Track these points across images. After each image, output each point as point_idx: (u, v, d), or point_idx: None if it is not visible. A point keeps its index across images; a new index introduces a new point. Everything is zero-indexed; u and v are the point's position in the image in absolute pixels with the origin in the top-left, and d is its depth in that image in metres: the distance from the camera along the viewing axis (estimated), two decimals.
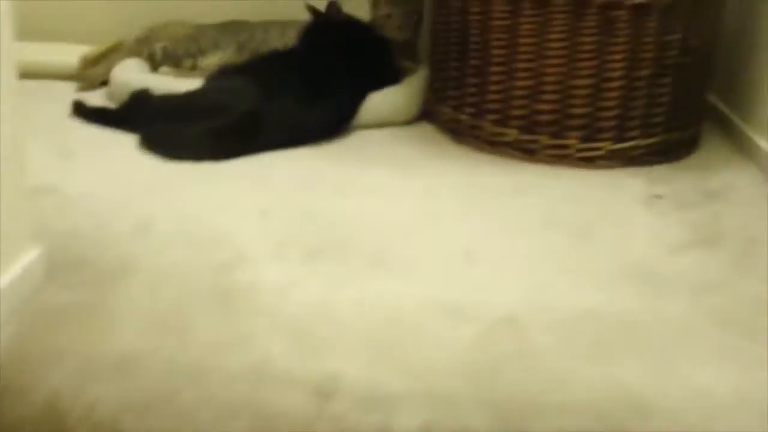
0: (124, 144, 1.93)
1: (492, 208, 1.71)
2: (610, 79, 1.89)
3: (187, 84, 2.12)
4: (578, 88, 1.90)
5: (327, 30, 2.22)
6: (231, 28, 2.36)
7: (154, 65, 2.30)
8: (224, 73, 2.07)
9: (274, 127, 1.91)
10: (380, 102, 2.12)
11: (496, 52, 1.94)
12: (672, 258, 1.54)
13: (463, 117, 2.04)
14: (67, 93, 2.24)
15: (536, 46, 1.89)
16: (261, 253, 1.49)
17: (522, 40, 1.90)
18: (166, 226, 1.55)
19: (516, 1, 1.87)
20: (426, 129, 2.15)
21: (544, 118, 1.93)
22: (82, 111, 2.08)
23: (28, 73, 2.07)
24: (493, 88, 1.97)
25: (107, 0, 2.53)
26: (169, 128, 1.90)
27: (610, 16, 1.84)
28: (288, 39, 2.32)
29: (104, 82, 2.27)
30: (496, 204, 1.72)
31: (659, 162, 1.97)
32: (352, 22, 2.25)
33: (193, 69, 2.30)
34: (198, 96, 1.97)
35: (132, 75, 2.17)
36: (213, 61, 2.30)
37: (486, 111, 1.99)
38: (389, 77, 2.21)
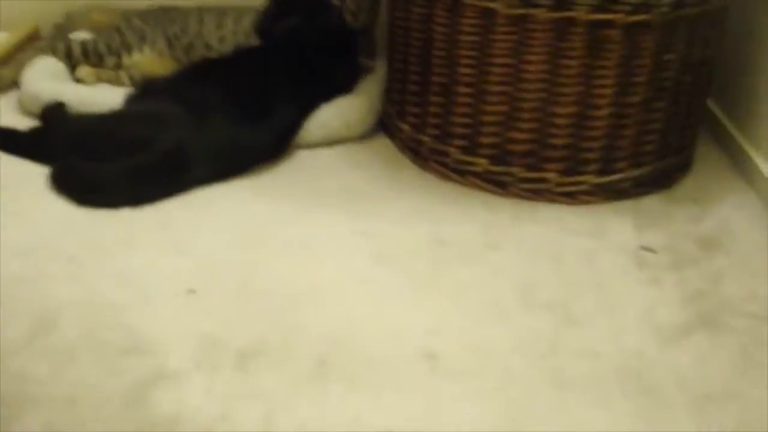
0: (30, 179, 1.64)
1: (459, 276, 1.46)
2: (597, 107, 1.63)
3: (108, 95, 1.83)
4: (560, 117, 1.64)
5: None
6: (161, 17, 2.05)
7: (72, 63, 1.99)
8: (147, 91, 1.77)
9: (203, 160, 1.64)
10: (331, 116, 1.84)
11: (464, 71, 1.66)
12: (668, 352, 1.32)
13: (425, 139, 1.77)
14: None
15: (512, 67, 1.62)
16: (186, 358, 1.24)
17: (495, 60, 1.62)
18: (70, 324, 1.29)
19: (489, 15, 1.59)
20: (382, 147, 1.88)
21: (519, 147, 1.68)
22: None
23: None
24: (460, 110, 1.70)
25: None
26: (83, 164, 1.62)
27: (599, 36, 1.57)
28: (226, 31, 2.02)
29: (16, 83, 1.97)
30: (464, 271, 1.48)
31: (648, 192, 1.74)
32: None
33: (117, 68, 1.99)
34: (117, 124, 1.68)
35: (44, 84, 1.86)
36: (139, 59, 1.99)
37: (451, 135, 1.73)
38: (344, 80, 1.93)
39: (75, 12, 2.16)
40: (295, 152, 1.81)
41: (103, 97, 1.82)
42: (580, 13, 1.53)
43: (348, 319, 1.35)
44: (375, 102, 1.91)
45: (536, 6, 1.55)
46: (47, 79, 1.89)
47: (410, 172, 1.79)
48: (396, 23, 1.79)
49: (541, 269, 1.50)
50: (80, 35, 2.10)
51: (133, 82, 1.99)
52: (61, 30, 2.13)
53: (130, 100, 1.76)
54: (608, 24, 1.55)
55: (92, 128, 1.68)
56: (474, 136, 1.70)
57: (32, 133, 1.74)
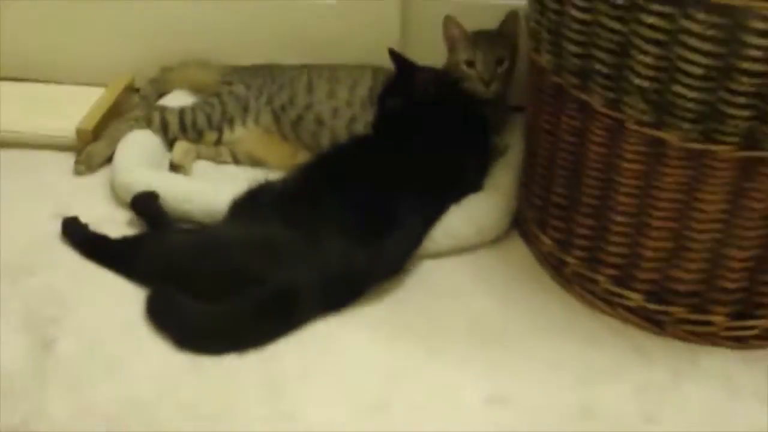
0: (125, 300, 1.47)
1: None
2: None
3: (207, 192, 1.63)
4: (736, 260, 1.38)
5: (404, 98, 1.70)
6: (265, 82, 1.83)
7: (169, 138, 1.80)
8: (256, 201, 1.55)
9: (316, 295, 1.43)
10: (461, 223, 1.61)
11: (622, 199, 1.41)
12: None
13: (570, 260, 1.53)
14: (62, 176, 1.78)
15: (682, 203, 1.36)
16: None
17: (662, 194, 1.37)
18: None
19: (659, 145, 1.32)
20: (518, 255, 1.64)
21: (683, 287, 1.43)
22: (72, 234, 1.61)
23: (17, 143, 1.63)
24: (614, 239, 1.45)
25: (119, 36, 1.99)
26: (182, 301, 1.43)
27: None
28: (339, 102, 1.78)
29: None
30: None
31: None
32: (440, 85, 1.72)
33: (218, 143, 1.79)
34: (221, 250, 1.47)
35: (138, 176, 1.67)
36: (242, 135, 1.78)
37: (602, 263, 1.49)
38: (476, 173, 1.69)
39: (171, 67, 1.95)
40: (418, 262, 1.60)
41: (201, 194, 1.62)
42: None
43: None
44: (510, 201, 1.67)
45: (719, 143, 1.28)
46: (141, 167, 1.69)
47: (551, 294, 1.56)
48: (540, 124, 1.54)
49: None
50: (177, 96, 1.90)
51: (235, 159, 1.79)
52: (156, 86, 1.94)
53: (236, 211, 1.54)
54: None
55: (191, 249, 1.49)
56: (629, 268, 1.46)
57: (123, 243, 1.56)
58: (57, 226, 1.62)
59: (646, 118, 1.30)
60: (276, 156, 1.77)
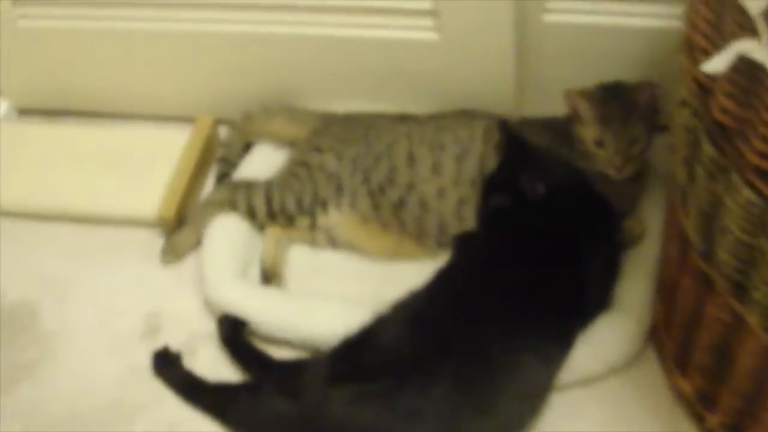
0: None
1: None
2: None
3: (307, 319, 1.48)
4: None
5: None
6: (359, 151, 1.59)
7: (257, 223, 1.62)
8: (371, 342, 1.36)
9: None
10: (585, 357, 1.41)
11: None
12: None
13: (710, 418, 1.34)
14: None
15: None
16: None
17: None
18: None
19: None
20: (653, 391, 1.43)
21: None
22: (162, 369, 1.51)
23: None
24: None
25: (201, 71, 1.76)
26: None
27: None
28: (445, 180, 1.55)
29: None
30: None
31: None
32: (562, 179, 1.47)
33: (312, 229, 1.60)
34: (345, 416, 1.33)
35: (229, 292, 1.52)
36: (337, 220, 1.59)
37: None
38: (602, 287, 1.46)
39: (255, 114, 1.73)
40: None
41: (299, 323, 1.48)
42: None
43: None
44: (644, 318, 1.44)
45: None
46: (233, 278, 1.54)
47: None
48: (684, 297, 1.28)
49: None
50: (263, 152, 1.70)
51: (332, 243, 1.61)
52: (241, 136, 1.73)
53: (338, 369, 1.38)
54: None
55: (289, 424, 1.36)
56: None
57: (216, 393, 1.45)
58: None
59: None
60: (377, 246, 1.57)
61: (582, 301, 1.42)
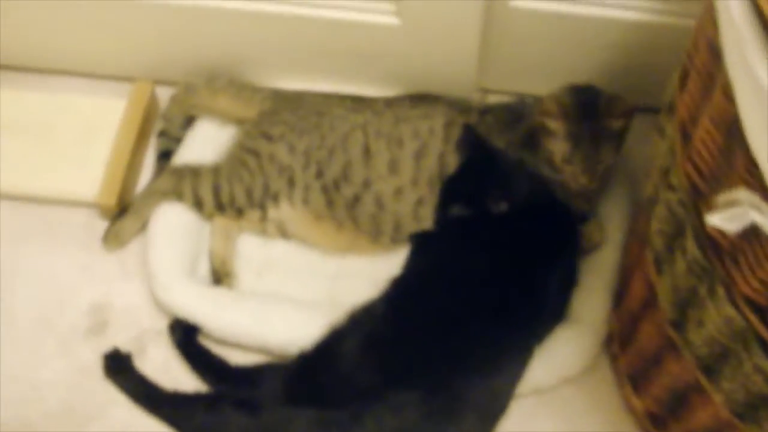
0: None
1: None
2: None
3: (263, 325, 1.45)
4: None
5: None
6: (312, 141, 1.51)
7: (204, 214, 1.54)
8: (315, 379, 1.35)
9: None
10: (542, 373, 1.42)
11: None
12: None
13: None
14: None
15: None
16: None
17: None
18: None
19: None
20: (606, 401, 1.46)
21: None
22: (115, 372, 1.47)
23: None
24: None
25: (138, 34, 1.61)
26: None
27: None
28: (403, 180, 1.49)
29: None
30: None
31: None
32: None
33: (262, 221, 1.54)
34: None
35: (176, 294, 1.47)
36: (289, 214, 1.52)
37: None
38: (560, 301, 1.45)
39: (198, 87, 1.61)
40: None
41: (251, 328, 1.44)
42: None
43: None
44: (600, 330, 1.45)
45: None
46: (180, 278, 1.48)
47: None
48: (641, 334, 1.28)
49: None
50: (206, 130, 1.60)
51: (283, 235, 1.55)
52: (182, 108, 1.62)
53: (294, 388, 1.36)
54: None
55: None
56: None
57: (172, 402, 1.43)
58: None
59: None
60: (331, 242, 1.52)
61: (540, 314, 1.42)
